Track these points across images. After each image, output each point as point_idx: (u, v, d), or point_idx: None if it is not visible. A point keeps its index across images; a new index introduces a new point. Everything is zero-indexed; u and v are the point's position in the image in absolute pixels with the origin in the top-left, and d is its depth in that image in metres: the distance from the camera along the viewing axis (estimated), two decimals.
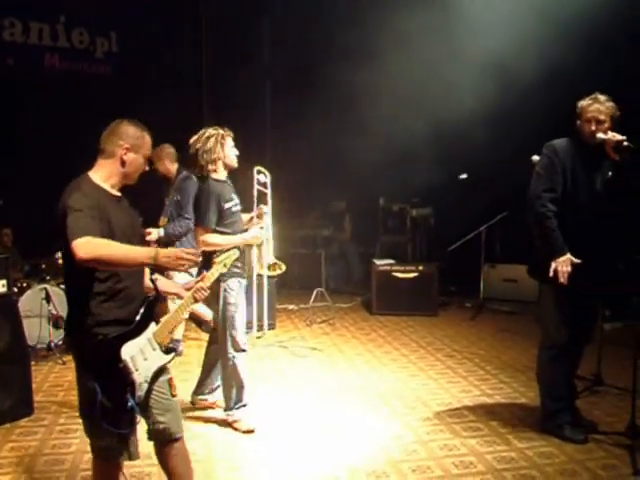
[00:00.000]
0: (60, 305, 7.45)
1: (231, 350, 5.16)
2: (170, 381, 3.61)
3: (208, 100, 11.87)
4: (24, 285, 7.64)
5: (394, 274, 9.06)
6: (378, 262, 9.26)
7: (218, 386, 5.61)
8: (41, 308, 7.31)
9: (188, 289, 3.85)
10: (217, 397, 5.64)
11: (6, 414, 5.42)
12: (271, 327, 8.31)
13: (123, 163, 3.47)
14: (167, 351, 3.59)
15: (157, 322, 3.62)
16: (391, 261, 9.30)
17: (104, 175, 3.47)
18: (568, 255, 4.62)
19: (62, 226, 3.21)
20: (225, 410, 5.34)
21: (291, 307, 9.57)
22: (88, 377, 3.38)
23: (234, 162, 5.33)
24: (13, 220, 8.72)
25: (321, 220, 11.30)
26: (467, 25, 8.29)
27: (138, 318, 3.47)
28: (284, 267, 6.39)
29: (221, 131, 5.29)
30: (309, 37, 10.61)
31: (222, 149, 5.24)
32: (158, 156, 6.84)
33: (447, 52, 8.42)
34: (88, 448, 4.66)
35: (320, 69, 10.02)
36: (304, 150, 10.18)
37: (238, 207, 5.40)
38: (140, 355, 3.43)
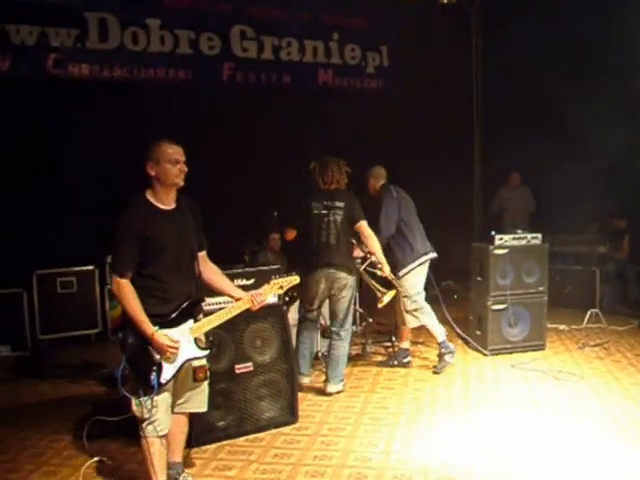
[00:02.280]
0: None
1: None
2: (196, 368, 4.20)
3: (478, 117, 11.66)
4: (294, 295, 7.84)
5: None
6: None
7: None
8: None
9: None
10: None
11: (272, 421, 5.58)
12: (540, 348, 7.88)
13: (152, 177, 4.07)
14: (204, 347, 4.18)
15: (196, 320, 4.17)
16: None
17: (152, 191, 4.12)
18: None
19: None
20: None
21: (562, 327, 9.01)
22: (120, 350, 4.03)
23: None
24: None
25: (598, 237, 10.60)
26: None
27: (176, 314, 4.06)
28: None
29: None
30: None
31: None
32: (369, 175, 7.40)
33: None
34: (348, 462, 4.75)
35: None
36: (584, 165, 9.58)
37: None
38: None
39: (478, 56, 11.63)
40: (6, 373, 7.56)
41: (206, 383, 4.38)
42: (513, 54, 10.60)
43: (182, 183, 4.12)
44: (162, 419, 4.09)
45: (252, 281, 5.56)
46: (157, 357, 3.97)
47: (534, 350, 7.82)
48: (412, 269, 7.14)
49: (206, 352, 4.20)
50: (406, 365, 7.32)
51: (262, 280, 5.45)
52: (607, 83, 9.52)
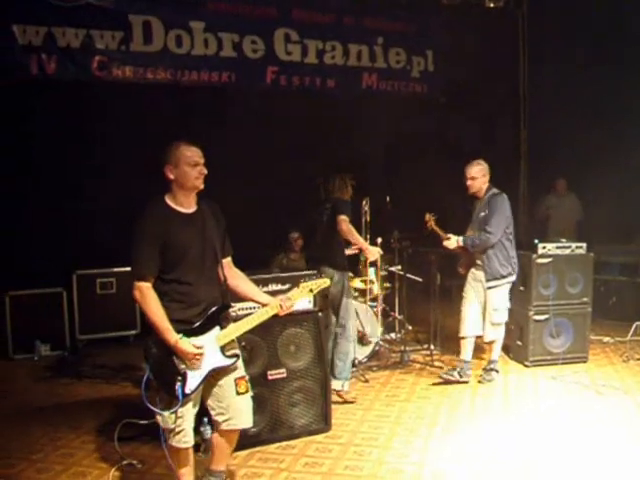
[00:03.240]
0: (366, 321, 7.51)
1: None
2: (237, 380, 4.10)
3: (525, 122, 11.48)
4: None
5: None
6: None
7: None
8: None
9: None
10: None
11: (305, 428, 5.50)
12: (583, 360, 7.68)
13: (171, 181, 3.98)
14: (229, 355, 4.03)
15: (222, 327, 4.05)
16: None
17: (171, 195, 4.02)
18: None
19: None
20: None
21: (606, 339, 8.77)
22: (144, 359, 3.91)
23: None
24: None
25: None
26: None
27: (202, 320, 3.96)
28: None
29: None
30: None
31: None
32: (477, 172, 7.07)
33: None
34: (380, 473, 4.68)
35: None
36: (633, 172, 9.35)
37: None
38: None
39: (525, 61, 11.46)
40: (44, 372, 7.63)
41: (249, 396, 4.22)
42: (561, 58, 10.40)
43: (202, 186, 4.04)
44: (188, 431, 4.01)
45: (287, 286, 5.48)
46: (182, 367, 3.88)
47: (576, 362, 7.60)
48: (508, 282, 6.98)
49: (232, 360, 4.06)
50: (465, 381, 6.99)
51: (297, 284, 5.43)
52: None
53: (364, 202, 8.04)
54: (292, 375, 5.44)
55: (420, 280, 8.45)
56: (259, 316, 4.17)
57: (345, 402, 6.33)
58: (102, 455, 5.20)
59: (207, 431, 5.01)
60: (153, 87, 9.40)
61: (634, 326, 8.29)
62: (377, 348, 7.82)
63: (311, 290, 4.34)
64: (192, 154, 3.98)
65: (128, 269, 8.56)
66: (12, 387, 7.18)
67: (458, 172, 10.34)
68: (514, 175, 11.26)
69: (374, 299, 8.04)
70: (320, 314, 5.66)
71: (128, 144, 8.69)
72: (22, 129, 8.56)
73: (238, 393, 4.10)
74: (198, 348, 3.89)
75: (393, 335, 8.25)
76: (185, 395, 3.86)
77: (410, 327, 8.20)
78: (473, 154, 10.54)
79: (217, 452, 4.30)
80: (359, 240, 6.61)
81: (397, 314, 8.15)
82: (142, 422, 5.34)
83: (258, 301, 4.29)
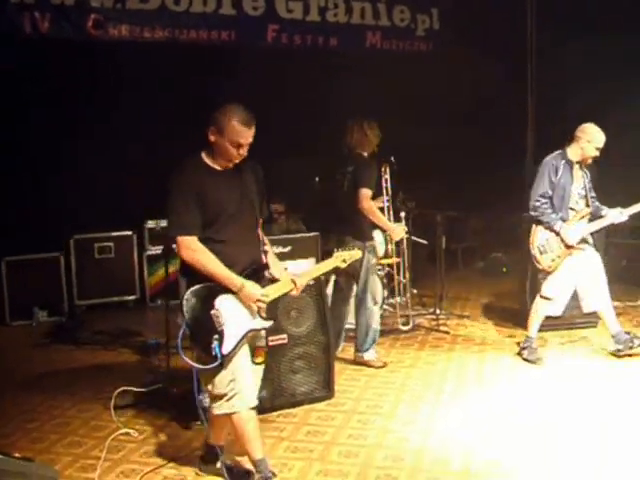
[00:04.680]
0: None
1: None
2: (257, 349, 3.94)
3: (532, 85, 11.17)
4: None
5: None
6: None
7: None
8: None
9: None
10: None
11: (307, 396, 5.35)
12: (592, 325, 7.49)
13: (211, 143, 3.76)
14: (269, 318, 3.84)
15: (262, 287, 3.82)
16: None
17: (208, 153, 3.82)
18: None
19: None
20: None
21: (616, 303, 8.54)
22: (180, 314, 3.69)
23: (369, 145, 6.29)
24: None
25: None
26: None
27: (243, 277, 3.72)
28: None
29: None
30: None
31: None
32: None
33: None
34: (385, 442, 4.51)
35: None
36: None
37: None
38: (235, 313, 3.70)
39: (532, 21, 11.09)
40: (42, 338, 7.46)
41: (262, 369, 4.09)
42: (572, 18, 10.08)
43: (234, 163, 3.83)
44: (247, 387, 3.79)
45: (288, 248, 5.31)
46: (220, 324, 3.63)
47: (586, 327, 7.42)
48: None
49: (270, 323, 3.88)
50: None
51: (299, 247, 5.28)
52: None
53: (383, 169, 7.20)
54: (293, 341, 5.27)
55: (425, 243, 8.26)
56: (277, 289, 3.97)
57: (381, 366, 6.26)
58: (98, 424, 5.05)
59: (205, 399, 4.89)
60: (150, 46, 9.13)
61: None
62: (381, 312, 7.62)
63: (344, 260, 4.21)
64: (241, 133, 3.70)
65: (127, 233, 8.68)
66: (9, 354, 7.02)
67: (465, 134, 10.23)
68: (521, 137, 10.98)
69: (379, 264, 7.80)
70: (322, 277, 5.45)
71: (124, 107, 8.42)
72: (16, 92, 8.31)
73: (255, 363, 3.95)
74: (265, 295, 3.76)
75: (398, 299, 8.06)
76: (223, 356, 3.62)
77: (415, 291, 8.02)
78: (480, 116, 10.46)
79: (217, 425, 4.11)
80: (382, 220, 6.32)
81: (402, 277, 7.95)
82: (139, 390, 5.25)
83: (271, 274, 4.03)
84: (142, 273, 8.82)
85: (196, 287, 3.69)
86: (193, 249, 3.67)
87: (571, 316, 7.34)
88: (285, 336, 5.18)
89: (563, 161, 6.20)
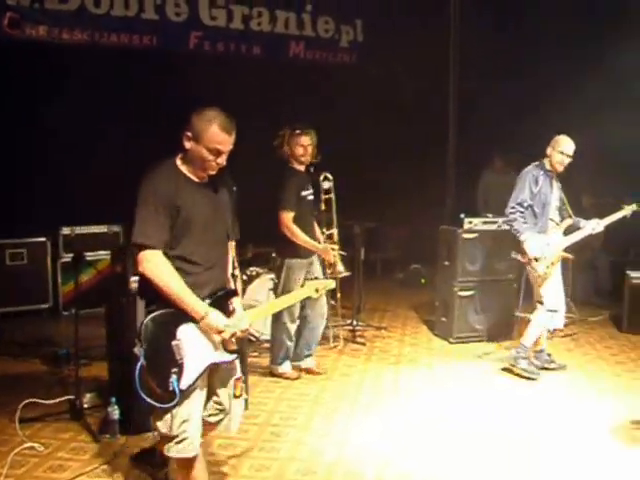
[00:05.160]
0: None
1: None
2: (235, 382, 3.59)
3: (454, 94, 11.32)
4: (253, 274, 7.51)
5: None
6: (632, 274, 8.21)
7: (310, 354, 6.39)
8: (267, 299, 7.11)
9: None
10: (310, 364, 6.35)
11: None
12: (508, 337, 7.61)
13: (186, 150, 3.42)
14: (233, 351, 3.50)
15: (228, 317, 3.46)
16: None
17: (183, 159, 3.47)
18: None
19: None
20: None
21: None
22: (138, 343, 3.32)
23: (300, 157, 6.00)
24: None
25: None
26: None
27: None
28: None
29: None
30: None
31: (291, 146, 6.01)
32: None
33: None
34: (298, 455, 4.49)
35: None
36: None
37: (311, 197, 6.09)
38: (197, 344, 3.35)
39: (456, 31, 11.25)
40: None
41: (243, 401, 3.76)
42: (495, 22, 10.27)
43: (210, 174, 3.49)
44: (195, 436, 3.44)
45: None
46: (179, 356, 3.27)
47: (502, 340, 7.54)
48: None
49: (233, 357, 3.50)
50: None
51: None
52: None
53: (322, 177, 6.71)
54: None
55: (344, 254, 8.25)
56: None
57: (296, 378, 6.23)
58: (2, 438, 4.83)
59: (115, 412, 4.78)
60: (68, 48, 8.93)
61: None
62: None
63: (317, 290, 3.88)
64: (222, 140, 3.37)
65: (41, 239, 8.41)
66: None
67: (385, 146, 10.30)
68: (443, 150, 11.12)
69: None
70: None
71: (40, 106, 8.20)
72: None
73: (235, 396, 3.62)
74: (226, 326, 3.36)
75: None
76: (180, 391, 3.27)
77: (333, 302, 8.01)
78: (402, 129, 10.54)
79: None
80: (306, 241, 5.97)
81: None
82: (46, 402, 5.08)
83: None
84: (56, 281, 8.55)
85: (157, 313, 3.32)
86: (155, 263, 3.29)
87: (489, 328, 7.50)
88: None
89: (542, 172, 6.32)
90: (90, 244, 8.34)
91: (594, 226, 6.37)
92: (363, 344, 7.33)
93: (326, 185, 6.61)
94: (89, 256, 7.40)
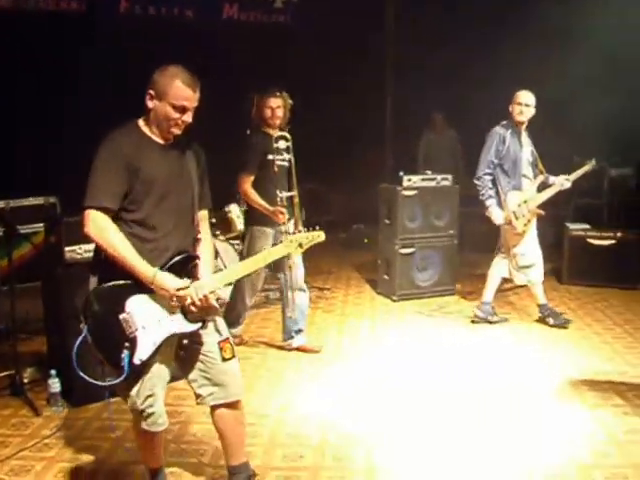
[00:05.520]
0: (228, 261, 7.20)
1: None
2: (221, 343, 3.41)
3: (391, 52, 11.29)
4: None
5: (589, 240, 8.11)
6: (571, 226, 8.36)
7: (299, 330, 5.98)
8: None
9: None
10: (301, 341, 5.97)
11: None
12: (451, 292, 7.72)
13: (149, 110, 3.26)
14: (192, 319, 3.27)
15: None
16: (586, 226, 8.34)
17: (146, 121, 3.30)
18: None
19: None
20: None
21: (474, 271, 8.84)
22: (83, 318, 3.17)
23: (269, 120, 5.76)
24: None
25: None
26: None
27: (165, 269, 3.20)
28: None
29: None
30: None
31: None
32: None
33: None
34: (197, 419, 4.56)
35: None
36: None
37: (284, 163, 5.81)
38: (151, 315, 3.19)
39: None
40: None
41: (236, 361, 3.49)
42: None
43: (175, 134, 3.30)
44: (160, 411, 3.34)
45: None
46: (131, 330, 3.12)
47: (444, 295, 7.65)
48: None
49: (196, 326, 3.29)
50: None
51: None
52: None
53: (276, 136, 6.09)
54: None
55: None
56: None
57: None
58: None
59: (55, 384, 4.71)
60: None
61: None
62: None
63: (300, 245, 3.48)
64: (187, 96, 3.21)
65: None
66: None
67: (325, 109, 10.23)
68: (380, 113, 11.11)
69: (237, 237, 7.66)
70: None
71: None
72: None
73: (224, 359, 3.40)
74: (185, 285, 3.19)
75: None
76: (133, 367, 3.13)
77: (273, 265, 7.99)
78: (341, 88, 10.48)
79: (226, 442, 3.60)
80: (260, 204, 5.69)
81: None
82: None
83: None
84: None
85: (100, 287, 3.19)
86: (101, 227, 3.11)
87: (431, 285, 7.58)
88: None
89: (510, 130, 6.37)
90: (26, 217, 8.13)
91: (562, 182, 6.48)
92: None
93: (282, 145, 6.31)
94: (25, 229, 7.23)
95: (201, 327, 3.31)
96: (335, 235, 11.08)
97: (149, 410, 3.29)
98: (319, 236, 3.51)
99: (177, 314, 3.24)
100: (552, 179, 6.50)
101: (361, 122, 10.46)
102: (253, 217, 5.89)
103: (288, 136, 5.95)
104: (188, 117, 3.26)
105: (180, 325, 3.26)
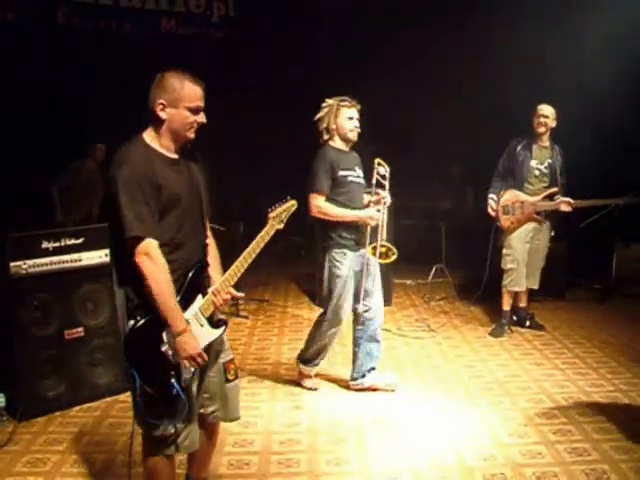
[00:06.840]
0: None
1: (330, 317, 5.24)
2: (226, 364, 3.46)
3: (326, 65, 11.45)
4: None
5: None
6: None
7: (372, 368, 5.41)
8: None
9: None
10: (373, 380, 5.39)
11: (108, 387, 5.28)
12: (387, 303, 7.89)
13: (163, 121, 3.14)
14: (216, 324, 3.35)
15: (204, 294, 3.31)
16: None
17: (155, 135, 3.20)
18: None
19: (113, 198, 3.03)
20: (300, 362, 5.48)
21: (409, 282, 9.08)
22: (128, 363, 3.16)
23: (348, 134, 5.16)
24: None
25: (442, 192, 10.57)
26: None
27: (182, 292, 3.17)
28: (395, 255, 5.42)
29: (336, 101, 5.17)
30: None
31: (334, 119, 5.14)
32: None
33: None
34: None
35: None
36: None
37: (359, 180, 5.26)
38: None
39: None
40: None
41: (239, 383, 3.59)
42: None
43: (193, 137, 3.24)
44: (193, 431, 3.31)
45: (81, 240, 5.15)
46: (173, 357, 3.13)
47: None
48: None
49: (222, 329, 3.34)
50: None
51: (92, 238, 5.12)
52: None
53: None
54: (91, 333, 5.17)
55: (223, 229, 8.32)
56: (234, 272, 3.42)
57: None
58: None
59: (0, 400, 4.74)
60: None
61: (434, 268, 8.58)
62: None
63: (282, 220, 3.54)
64: (199, 95, 3.17)
65: None
66: None
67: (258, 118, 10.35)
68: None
69: None
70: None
71: None
72: None
73: (228, 380, 3.46)
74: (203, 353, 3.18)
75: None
76: (183, 389, 3.12)
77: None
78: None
79: (199, 457, 3.62)
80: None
81: None
82: None
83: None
84: None
85: (133, 328, 3.13)
86: (153, 259, 3.01)
87: None
88: (82, 329, 5.10)
89: (525, 141, 6.70)
90: None
91: (560, 204, 6.58)
92: (246, 317, 7.47)
93: None
94: None
95: (225, 329, 3.38)
96: (272, 247, 11.22)
97: (185, 431, 3.25)
98: (293, 205, 3.60)
99: (204, 324, 3.27)
100: (558, 197, 6.63)
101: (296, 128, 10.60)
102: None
103: None
104: (202, 118, 3.22)
105: (210, 334, 3.29)
